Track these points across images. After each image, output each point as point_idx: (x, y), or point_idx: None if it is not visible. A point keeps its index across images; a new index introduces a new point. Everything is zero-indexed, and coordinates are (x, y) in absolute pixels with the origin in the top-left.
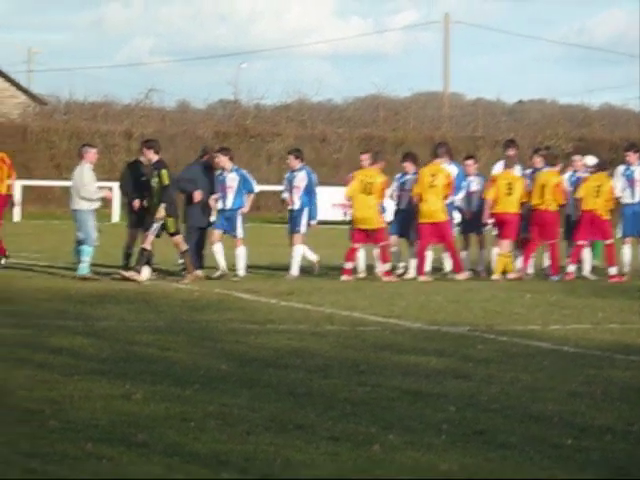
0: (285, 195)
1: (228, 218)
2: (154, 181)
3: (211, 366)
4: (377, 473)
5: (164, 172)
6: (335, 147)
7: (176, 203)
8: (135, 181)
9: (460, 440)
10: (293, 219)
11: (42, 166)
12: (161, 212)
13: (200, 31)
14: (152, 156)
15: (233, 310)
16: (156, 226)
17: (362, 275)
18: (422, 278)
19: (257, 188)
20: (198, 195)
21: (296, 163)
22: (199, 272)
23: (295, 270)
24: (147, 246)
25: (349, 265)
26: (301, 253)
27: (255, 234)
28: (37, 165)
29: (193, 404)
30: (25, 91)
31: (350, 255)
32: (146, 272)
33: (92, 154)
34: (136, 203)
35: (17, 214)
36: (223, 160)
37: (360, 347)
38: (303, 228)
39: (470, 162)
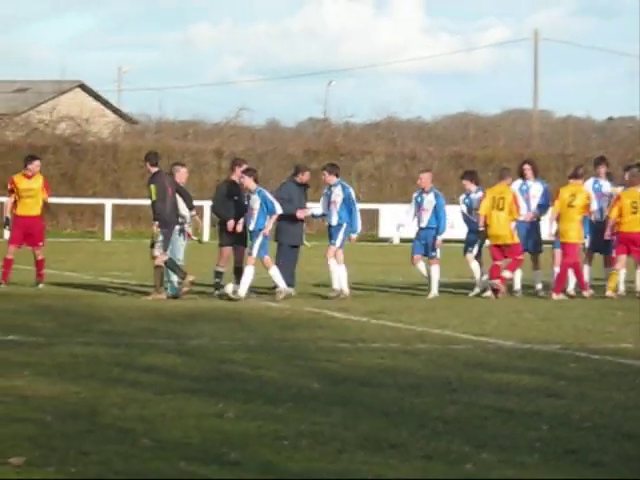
0: (313, 211)
1: (251, 240)
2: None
3: (303, 385)
4: None
5: (152, 187)
6: (425, 165)
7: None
8: (228, 201)
9: (553, 459)
10: (331, 234)
11: (133, 185)
12: (155, 230)
13: (289, 49)
14: (149, 168)
15: (324, 328)
16: (159, 244)
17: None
18: (586, 293)
19: (280, 209)
20: (301, 213)
21: (332, 178)
22: (291, 290)
23: (337, 285)
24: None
25: (496, 283)
26: (335, 269)
27: (344, 252)
28: (128, 184)
29: (285, 422)
30: (115, 110)
31: (494, 272)
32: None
33: (182, 173)
34: (230, 223)
35: (108, 233)
36: (247, 181)
37: (452, 365)
38: (339, 242)
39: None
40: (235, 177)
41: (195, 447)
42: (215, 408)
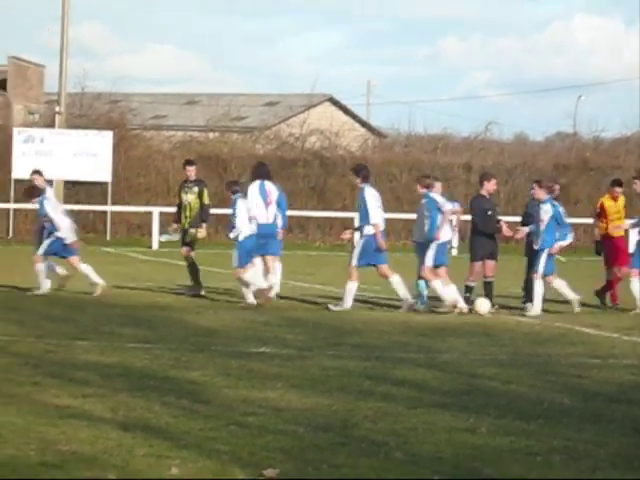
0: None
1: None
2: (190, 198)
3: (554, 400)
4: None
5: (205, 191)
6: None
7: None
8: (485, 215)
9: None
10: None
11: (383, 198)
12: (203, 233)
13: (537, 63)
14: (190, 173)
15: (575, 344)
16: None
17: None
18: None
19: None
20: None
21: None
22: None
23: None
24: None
25: None
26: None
27: (572, 268)
28: None
29: (538, 438)
30: (364, 124)
31: None
32: (486, 304)
33: (437, 187)
34: (507, 230)
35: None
36: (538, 192)
37: None
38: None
39: None
40: (484, 192)
41: (447, 462)
42: (467, 423)
